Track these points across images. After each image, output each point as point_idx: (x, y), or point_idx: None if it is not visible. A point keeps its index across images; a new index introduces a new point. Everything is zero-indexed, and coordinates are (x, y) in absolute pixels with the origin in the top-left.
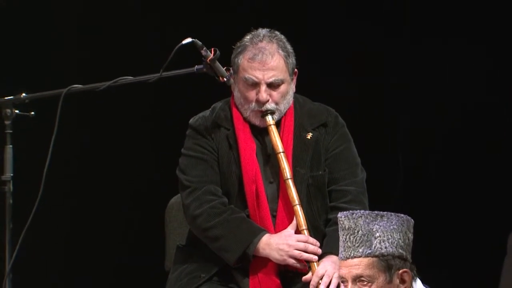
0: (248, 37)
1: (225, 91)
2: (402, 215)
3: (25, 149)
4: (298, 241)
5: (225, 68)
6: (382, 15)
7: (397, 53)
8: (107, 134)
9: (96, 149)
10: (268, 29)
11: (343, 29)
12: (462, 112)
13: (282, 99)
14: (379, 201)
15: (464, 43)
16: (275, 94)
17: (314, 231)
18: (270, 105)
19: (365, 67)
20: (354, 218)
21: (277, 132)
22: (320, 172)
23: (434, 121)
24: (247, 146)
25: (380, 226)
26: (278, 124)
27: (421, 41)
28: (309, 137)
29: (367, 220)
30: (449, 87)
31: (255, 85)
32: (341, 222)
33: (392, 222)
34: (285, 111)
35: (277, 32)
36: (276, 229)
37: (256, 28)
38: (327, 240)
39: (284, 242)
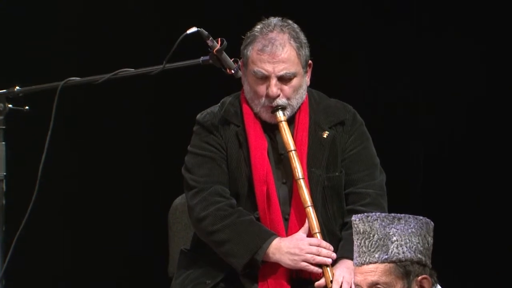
0: (258, 26)
1: (236, 84)
2: (421, 217)
3: (19, 146)
4: (311, 245)
5: (232, 59)
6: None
7: (412, 49)
8: (107, 130)
9: (95, 146)
10: (280, 18)
11: (350, 25)
12: (483, 110)
13: (295, 93)
14: (396, 202)
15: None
16: (286, 88)
17: (330, 236)
18: (281, 100)
19: (380, 64)
20: (369, 221)
21: (288, 129)
22: (337, 173)
23: (453, 119)
24: (258, 144)
25: (397, 229)
26: (291, 121)
27: (439, 35)
28: (325, 136)
29: (383, 224)
30: (467, 84)
31: (265, 78)
32: (355, 225)
33: (410, 225)
34: (297, 106)
35: (289, 21)
36: (288, 233)
37: (268, 17)
38: (343, 244)
39: (296, 246)
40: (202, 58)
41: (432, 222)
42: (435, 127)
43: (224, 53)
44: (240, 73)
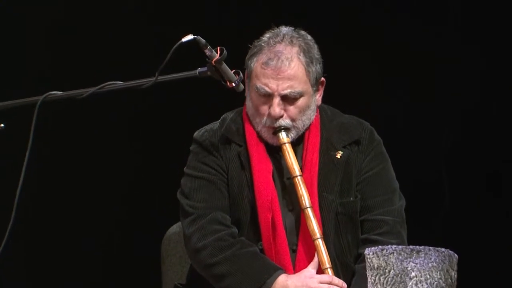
0: (266, 35)
1: (239, 98)
2: (443, 249)
3: None
4: (321, 282)
5: (233, 71)
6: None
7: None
8: (91, 149)
9: (78, 167)
10: (292, 28)
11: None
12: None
13: (300, 114)
14: (417, 232)
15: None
16: (291, 108)
17: (343, 269)
18: (284, 121)
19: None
20: (384, 255)
21: (293, 152)
22: (351, 199)
23: (479, 138)
24: (262, 167)
25: (416, 263)
26: (300, 140)
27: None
28: (338, 157)
29: (400, 257)
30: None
31: (268, 96)
32: (369, 260)
33: (430, 259)
34: (304, 128)
35: (302, 32)
36: (296, 267)
37: (278, 25)
38: (356, 279)
39: (304, 285)
40: (199, 69)
41: (456, 255)
42: (460, 148)
43: (224, 64)
44: (242, 86)
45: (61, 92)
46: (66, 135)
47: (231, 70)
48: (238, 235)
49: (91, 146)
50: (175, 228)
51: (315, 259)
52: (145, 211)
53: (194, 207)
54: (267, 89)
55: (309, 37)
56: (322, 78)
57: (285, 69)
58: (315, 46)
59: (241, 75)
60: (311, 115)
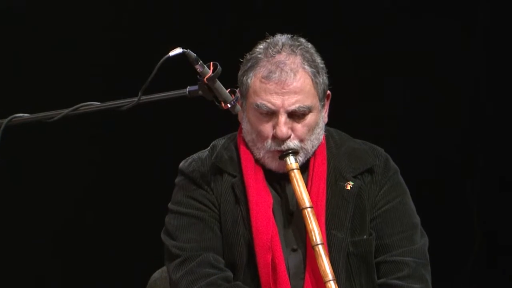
0: (261, 46)
1: (233, 121)
2: None
3: None
4: None
5: (229, 90)
6: None
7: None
8: (68, 181)
9: (56, 201)
10: (289, 36)
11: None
12: None
13: (309, 134)
14: (444, 275)
15: None
16: (299, 127)
17: None
18: (292, 143)
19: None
20: None
21: (302, 180)
22: (365, 237)
23: None
24: (261, 199)
25: None
26: (304, 169)
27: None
28: (348, 188)
29: None
30: None
31: (271, 114)
32: None
33: None
34: (312, 150)
35: (302, 40)
36: None
37: (273, 34)
38: None
39: None
40: (189, 88)
41: None
42: (493, 185)
43: (218, 81)
44: (238, 107)
45: (28, 115)
46: (34, 169)
47: (226, 89)
48: (233, 279)
49: (67, 180)
50: (160, 272)
51: None
52: (125, 255)
53: (181, 249)
54: (270, 106)
55: (309, 44)
56: (328, 92)
57: (291, 82)
58: (318, 54)
59: (238, 94)
60: (320, 134)
